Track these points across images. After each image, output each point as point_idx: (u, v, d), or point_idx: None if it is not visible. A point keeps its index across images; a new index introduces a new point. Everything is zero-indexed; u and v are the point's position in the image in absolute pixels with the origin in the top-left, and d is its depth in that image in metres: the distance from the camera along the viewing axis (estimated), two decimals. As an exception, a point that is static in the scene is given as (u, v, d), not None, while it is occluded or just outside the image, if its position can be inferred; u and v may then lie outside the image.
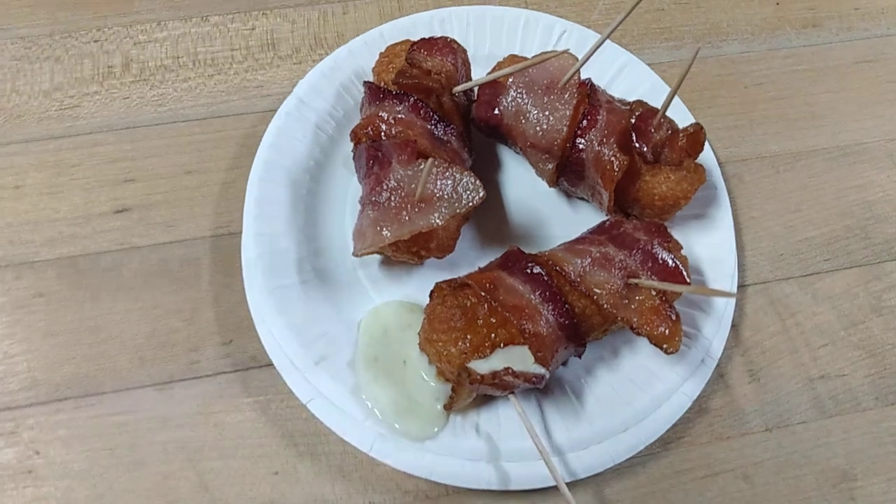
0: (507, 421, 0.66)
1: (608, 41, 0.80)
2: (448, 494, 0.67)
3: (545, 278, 0.63)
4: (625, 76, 0.84)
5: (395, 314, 0.71)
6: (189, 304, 0.73)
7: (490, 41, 0.86)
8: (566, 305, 0.63)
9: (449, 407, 0.64)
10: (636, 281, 0.64)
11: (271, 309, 0.68)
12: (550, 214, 0.79)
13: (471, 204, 0.65)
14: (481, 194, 0.65)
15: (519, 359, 0.61)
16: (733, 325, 0.74)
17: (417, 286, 0.73)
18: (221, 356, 0.71)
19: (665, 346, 0.62)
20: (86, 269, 0.75)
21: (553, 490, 0.65)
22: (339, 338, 0.69)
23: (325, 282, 0.73)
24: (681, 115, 0.79)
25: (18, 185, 0.79)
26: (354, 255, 0.68)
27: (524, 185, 0.81)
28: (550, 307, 0.63)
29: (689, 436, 0.70)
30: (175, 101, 0.86)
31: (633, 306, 0.64)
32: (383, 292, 0.73)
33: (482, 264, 0.69)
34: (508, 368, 0.59)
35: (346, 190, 0.78)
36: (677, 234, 0.70)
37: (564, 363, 0.68)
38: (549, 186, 0.78)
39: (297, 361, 0.67)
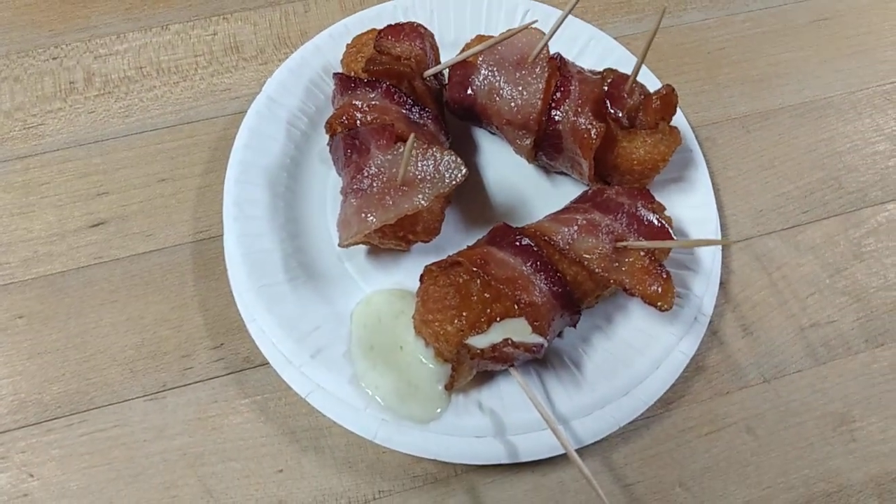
0: (510, 395, 0.65)
1: (572, 17, 0.81)
2: (457, 475, 0.66)
3: (535, 249, 0.63)
4: (591, 50, 0.85)
5: (386, 302, 0.70)
6: (176, 312, 0.72)
7: (455, 26, 0.86)
8: (558, 274, 0.63)
9: (450, 387, 0.63)
10: (624, 243, 0.64)
11: (261, 308, 0.67)
12: (531, 191, 0.79)
13: (454, 182, 0.65)
14: (464, 171, 0.65)
15: (516, 330, 0.60)
16: (722, 283, 0.75)
17: (406, 273, 0.73)
18: (213, 360, 0.70)
19: (659, 303, 0.62)
20: (66, 286, 0.73)
21: (562, 459, 0.65)
22: (333, 330, 0.68)
23: (313, 277, 0.72)
24: (650, 83, 0.80)
25: (-14, 209, 0.77)
26: (340, 245, 0.67)
27: (503, 165, 0.81)
28: (542, 276, 0.63)
29: (690, 394, 0.71)
30: (142, 111, 0.85)
31: (623, 268, 0.64)
32: (372, 282, 0.73)
33: (469, 245, 0.69)
34: (508, 339, 0.59)
35: (324, 184, 0.78)
36: (658, 198, 0.71)
37: (560, 334, 0.68)
38: (528, 163, 0.78)
39: (293, 357, 0.66)
